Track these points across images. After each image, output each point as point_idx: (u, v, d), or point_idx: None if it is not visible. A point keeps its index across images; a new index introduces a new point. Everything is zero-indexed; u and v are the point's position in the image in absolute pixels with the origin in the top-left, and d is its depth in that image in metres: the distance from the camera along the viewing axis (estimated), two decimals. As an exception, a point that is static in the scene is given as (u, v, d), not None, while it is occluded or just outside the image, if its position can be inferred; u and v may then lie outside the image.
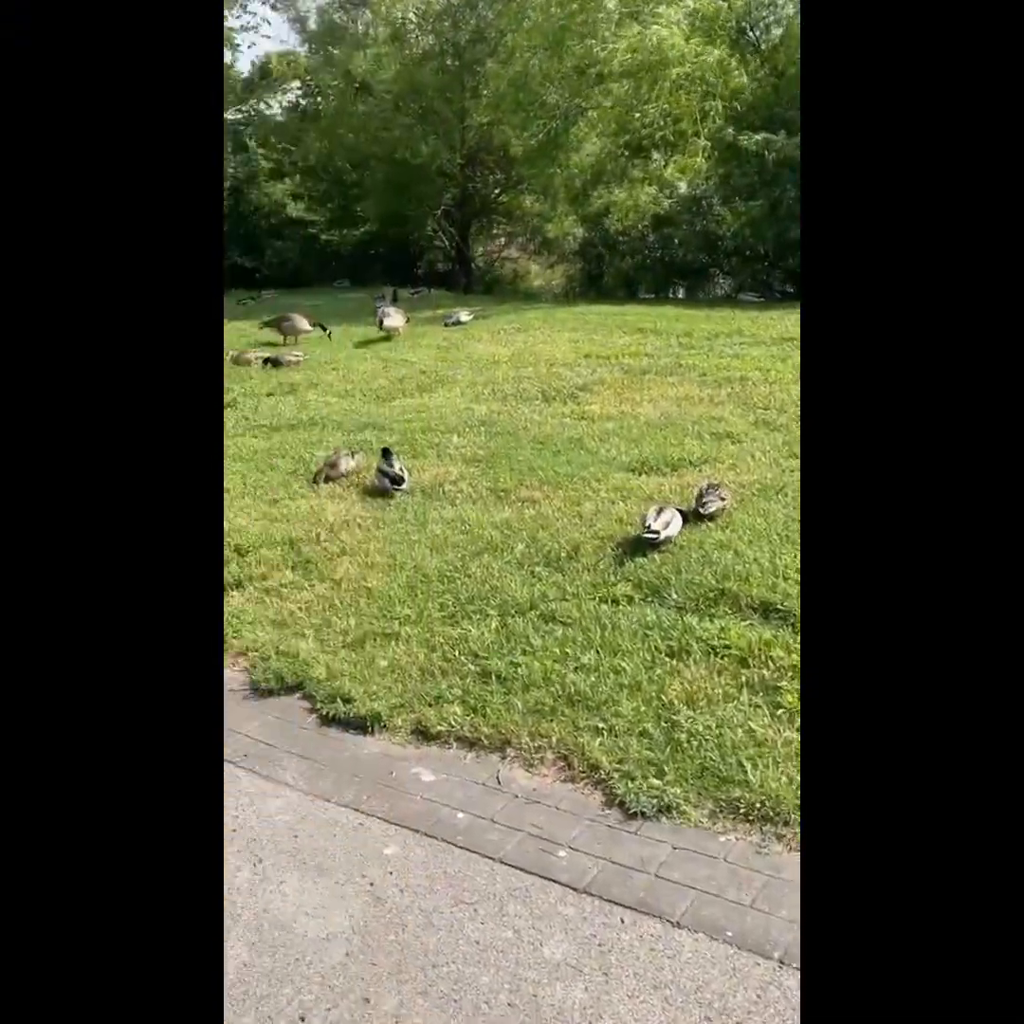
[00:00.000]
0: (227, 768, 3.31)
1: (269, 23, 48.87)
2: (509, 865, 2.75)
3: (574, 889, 2.64)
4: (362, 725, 3.51)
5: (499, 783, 3.13)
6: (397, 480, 5.91)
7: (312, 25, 23.33)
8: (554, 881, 2.67)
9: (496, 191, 23.57)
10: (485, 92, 19.63)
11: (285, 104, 25.49)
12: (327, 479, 6.28)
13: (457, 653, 3.89)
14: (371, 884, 2.70)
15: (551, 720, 3.38)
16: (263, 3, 24.51)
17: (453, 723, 3.42)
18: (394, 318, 12.15)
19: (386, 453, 6.19)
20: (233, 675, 3.99)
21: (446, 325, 13.18)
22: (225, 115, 24.14)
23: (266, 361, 10.74)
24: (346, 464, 6.34)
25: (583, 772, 3.14)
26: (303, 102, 25.09)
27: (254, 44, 58.64)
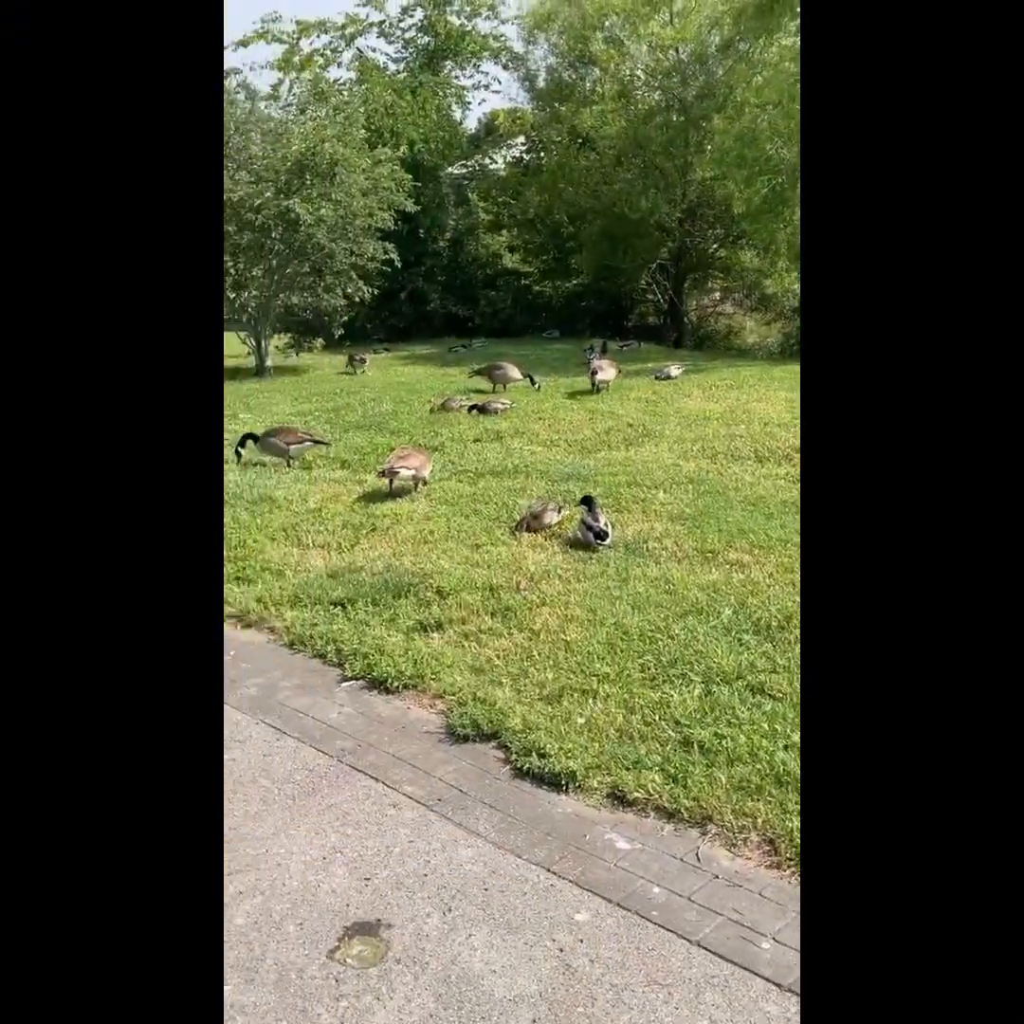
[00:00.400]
0: (421, 811, 3.37)
1: (499, 82, 51.19)
2: (707, 950, 2.63)
3: (778, 985, 2.49)
4: (556, 782, 3.48)
5: (699, 860, 3.02)
6: (601, 535, 5.91)
7: (541, 83, 24.20)
8: (756, 974, 2.53)
9: (714, 246, 23.51)
10: (709, 147, 19.70)
11: (508, 159, 26.50)
12: (529, 528, 6.35)
13: (657, 718, 3.81)
14: (561, 950, 2.66)
15: (757, 799, 3.24)
16: (495, 63, 25.49)
17: (651, 791, 3.34)
18: (607, 371, 12.25)
19: (588, 502, 6.20)
20: (430, 717, 4.07)
21: (656, 379, 13.18)
22: (450, 169, 25.40)
23: (472, 408, 11.06)
24: (551, 517, 6.39)
25: (790, 859, 2.98)
26: (526, 157, 25.99)
27: (484, 100, 61.60)
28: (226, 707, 4.23)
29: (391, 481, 7.54)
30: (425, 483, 7.73)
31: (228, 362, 19.15)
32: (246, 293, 16.59)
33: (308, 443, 8.95)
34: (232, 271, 16.03)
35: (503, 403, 11.19)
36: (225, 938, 2.76)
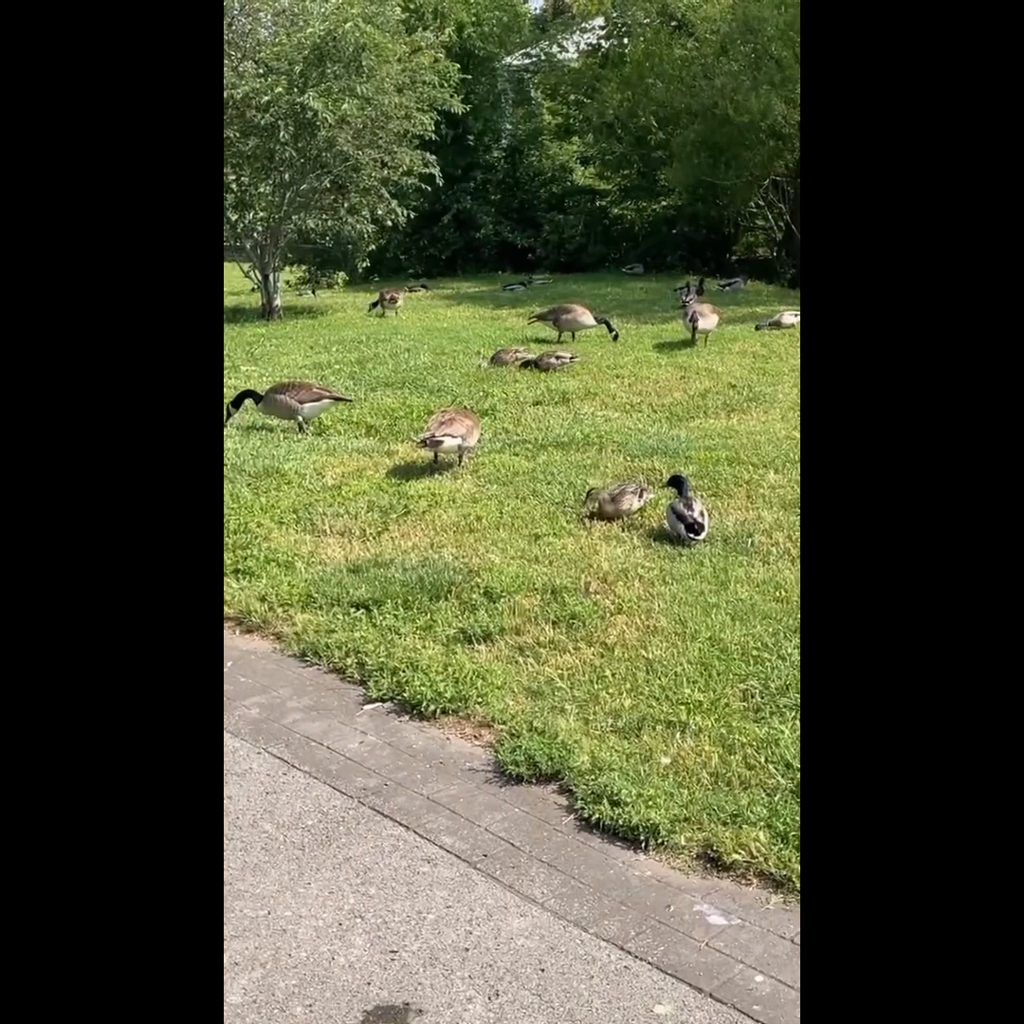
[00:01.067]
0: (462, 868, 3.39)
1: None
2: (824, 1058, 2.60)
3: (915, 1108, 2.46)
4: (633, 837, 3.47)
5: (814, 943, 2.99)
6: (695, 527, 5.86)
7: (625, -51, 24.03)
8: (887, 1092, 2.50)
9: (843, 158, 23.18)
10: (841, 30, 19.36)
11: (583, 47, 26.33)
12: (603, 515, 6.33)
13: (763, 759, 3.78)
14: (636, 1050, 2.65)
15: (891, 867, 3.19)
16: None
17: (755, 852, 3.32)
18: (709, 318, 12.16)
19: (678, 484, 6.16)
20: (475, 750, 4.09)
21: (761, 328, 13.06)
22: (508, 60, 25.37)
23: (525, 364, 11.03)
24: (631, 502, 6.36)
25: (933, 946, 2.93)
26: (605, 44, 25.81)
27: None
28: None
29: (435, 453, 7.55)
30: (471, 454, 7.74)
31: (227, 301, 19.38)
32: (251, 215, 16.74)
33: (326, 401, 9.00)
34: (233, 187, 16.16)
35: (562, 356, 11.12)
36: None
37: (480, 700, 4.35)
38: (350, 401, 9.43)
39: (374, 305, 16.85)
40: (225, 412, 8.92)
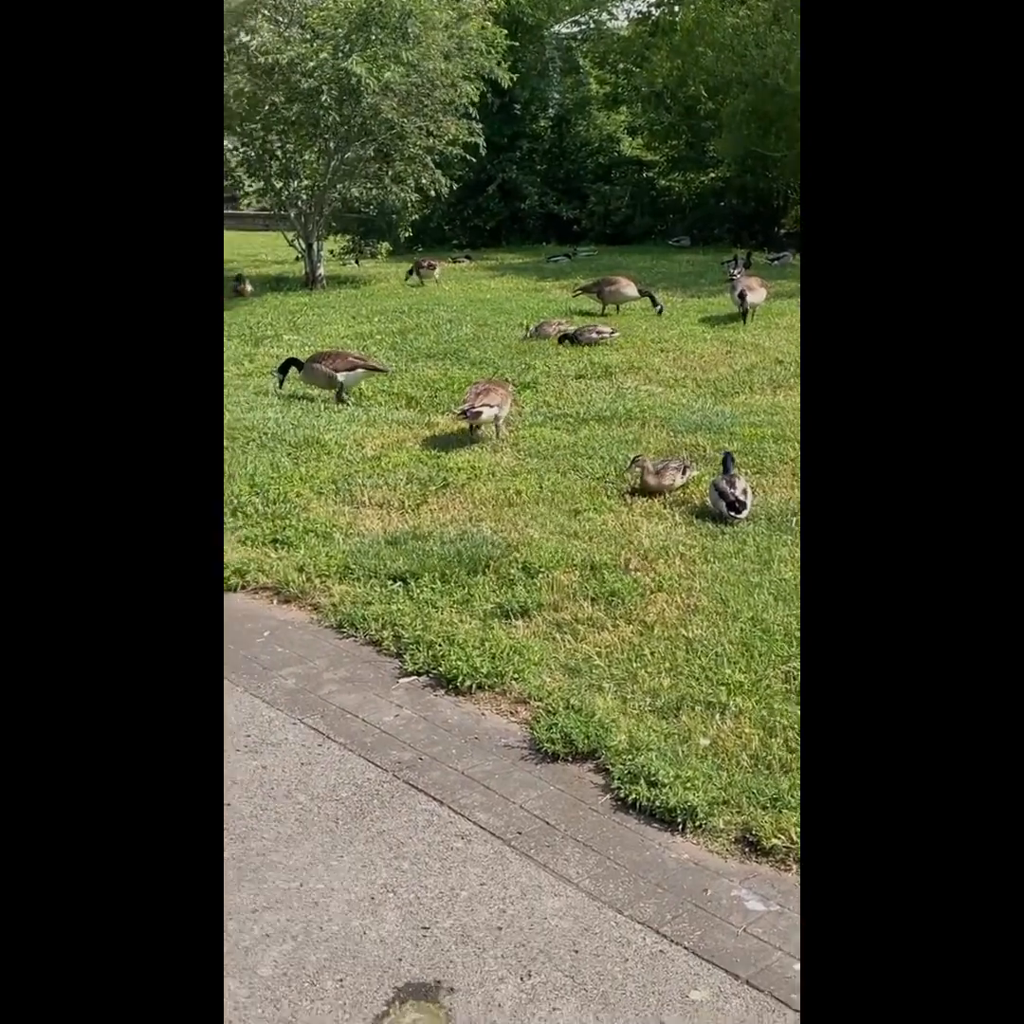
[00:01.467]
0: (496, 846, 3.37)
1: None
2: (862, 1049, 2.56)
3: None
4: (670, 819, 3.44)
5: (854, 931, 2.95)
6: (737, 506, 5.79)
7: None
8: (927, 1086, 2.46)
9: (896, 130, 22.87)
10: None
11: (633, 14, 26.14)
12: (645, 491, 6.28)
13: (805, 742, 3.73)
14: (670, 1036, 2.62)
15: (934, 856, 3.14)
16: None
17: (795, 837, 3.27)
18: (757, 292, 12.02)
19: (727, 462, 6.10)
20: (510, 727, 4.06)
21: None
22: (557, 28, 25.16)
23: (563, 338, 10.95)
24: (674, 477, 6.30)
25: (977, 938, 2.88)
26: (655, 12, 25.57)
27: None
28: (257, 701, 4.28)
29: (472, 425, 7.53)
30: (506, 424, 7.72)
31: (273, 269, 19.44)
32: (295, 183, 16.71)
33: (361, 370, 8.98)
34: (279, 154, 16.14)
35: (603, 331, 11.03)
36: (248, 992, 2.79)
37: (516, 676, 4.32)
38: (387, 371, 9.40)
39: (411, 272, 16.81)
40: (276, 382, 9.04)
